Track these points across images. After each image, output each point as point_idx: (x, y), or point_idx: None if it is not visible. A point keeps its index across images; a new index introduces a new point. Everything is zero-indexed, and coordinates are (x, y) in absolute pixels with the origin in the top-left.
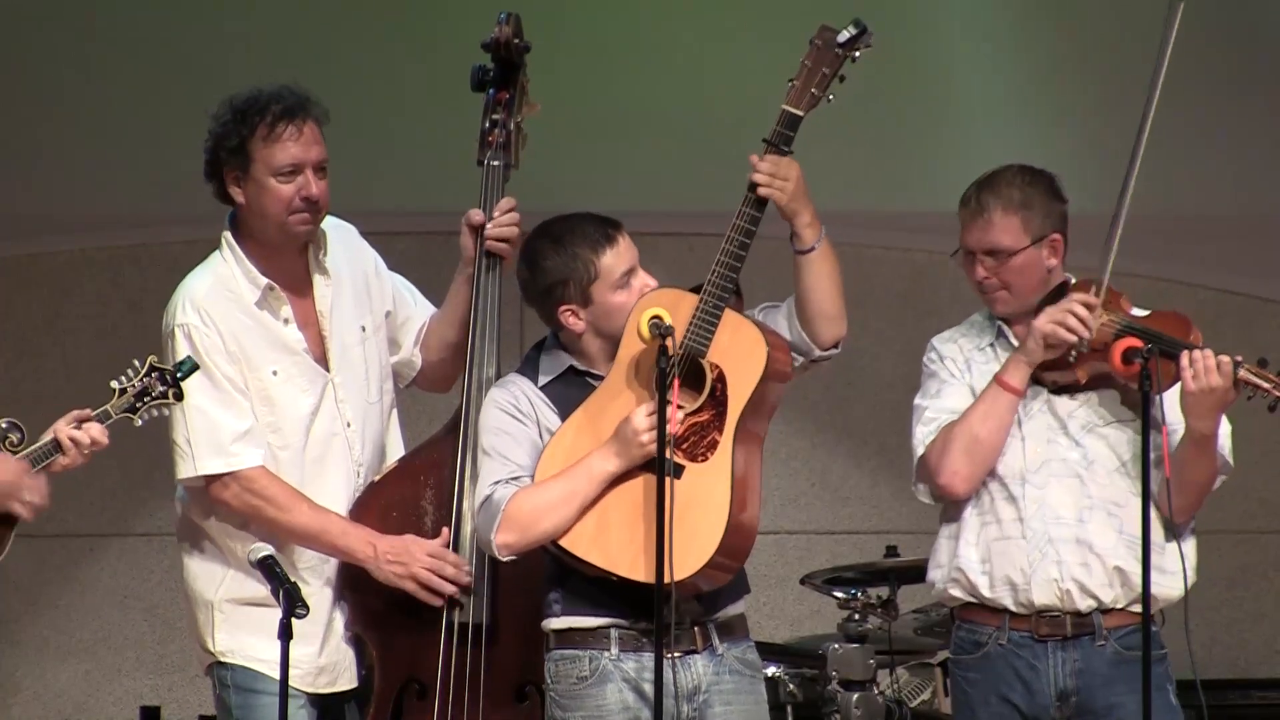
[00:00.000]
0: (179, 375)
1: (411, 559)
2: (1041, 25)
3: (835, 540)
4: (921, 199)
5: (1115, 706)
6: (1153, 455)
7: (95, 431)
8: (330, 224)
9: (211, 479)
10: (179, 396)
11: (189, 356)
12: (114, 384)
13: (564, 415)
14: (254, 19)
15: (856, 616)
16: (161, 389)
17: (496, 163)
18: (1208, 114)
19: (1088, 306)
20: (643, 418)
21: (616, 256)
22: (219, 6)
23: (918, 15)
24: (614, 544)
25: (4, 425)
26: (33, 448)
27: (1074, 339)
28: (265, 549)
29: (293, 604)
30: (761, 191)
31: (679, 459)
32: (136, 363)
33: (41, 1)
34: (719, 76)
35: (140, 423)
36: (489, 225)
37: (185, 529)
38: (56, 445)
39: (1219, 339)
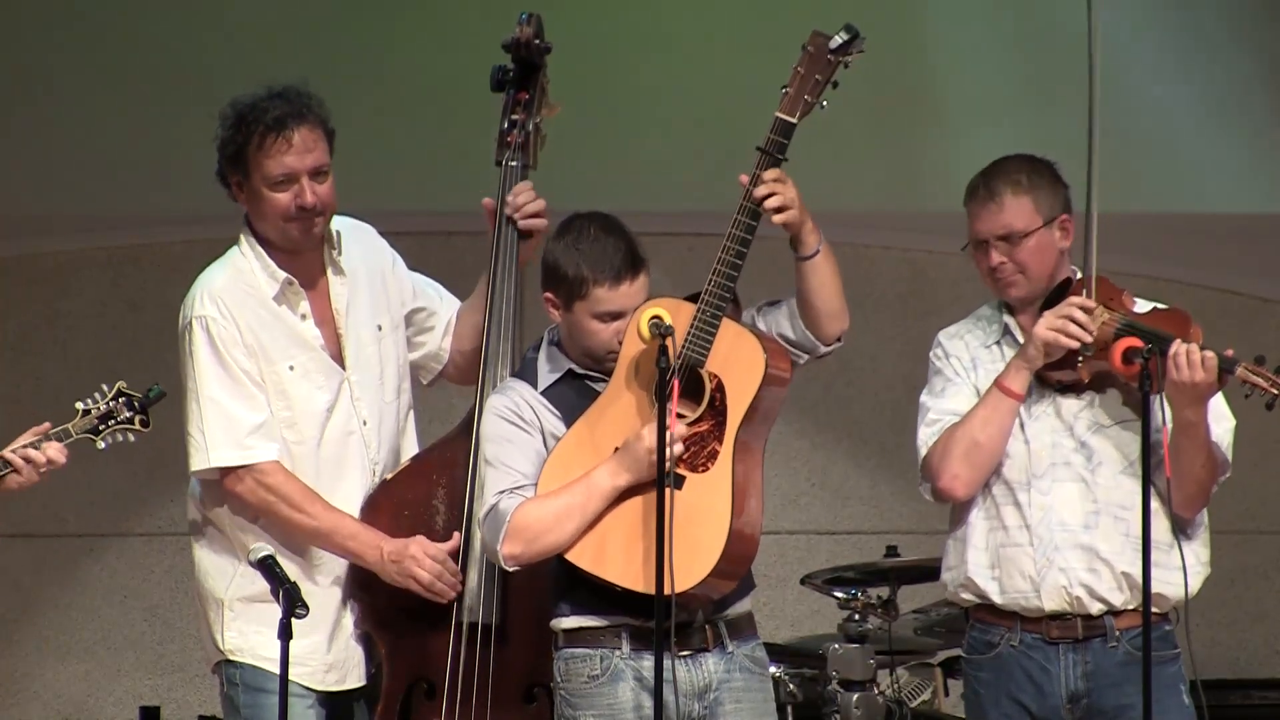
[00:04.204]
0: (147, 403)
1: (412, 561)
2: (1041, 24)
3: (835, 540)
4: (921, 199)
5: (1126, 708)
6: (1156, 456)
7: (52, 451)
8: (347, 224)
9: (225, 471)
10: (145, 424)
11: (157, 385)
12: (79, 404)
13: (567, 419)
14: (255, 18)
15: (856, 616)
16: (128, 414)
17: (514, 163)
18: (1209, 114)
19: (1085, 310)
20: (653, 436)
21: (611, 296)
22: (220, 5)
23: (918, 14)
24: (616, 557)
25: None
26: None
27: (1074, 344)
28: (265, 549)
29: (292, 604)
30: (772, 203)
31: (680, 470)
32: (105, 386)
33: (42, 1)
34: (720, 77)
35: (103, 445)
36: (514, 213)
37: (197, 524)
38: (5, 463)
39: (1219, 339)
